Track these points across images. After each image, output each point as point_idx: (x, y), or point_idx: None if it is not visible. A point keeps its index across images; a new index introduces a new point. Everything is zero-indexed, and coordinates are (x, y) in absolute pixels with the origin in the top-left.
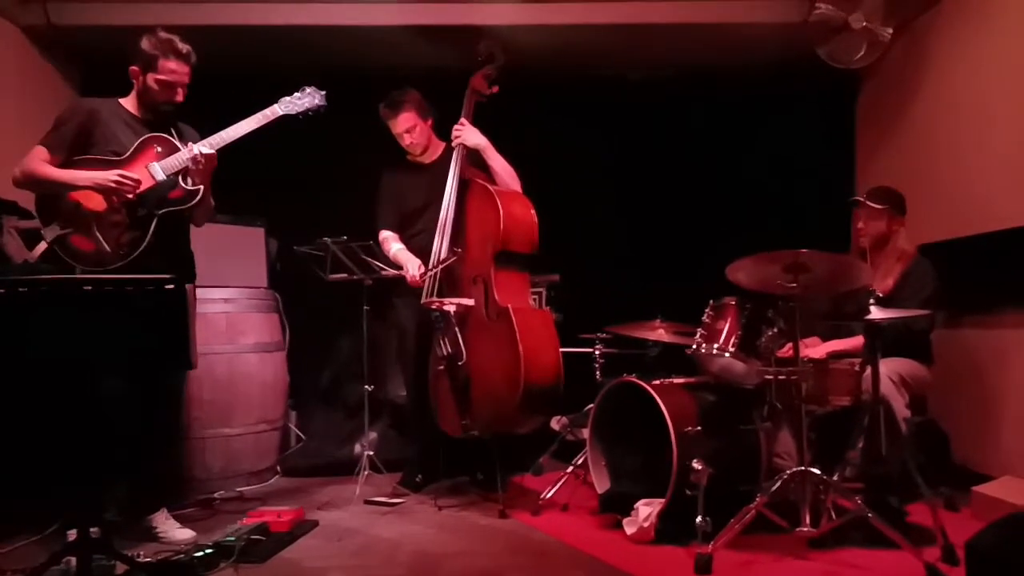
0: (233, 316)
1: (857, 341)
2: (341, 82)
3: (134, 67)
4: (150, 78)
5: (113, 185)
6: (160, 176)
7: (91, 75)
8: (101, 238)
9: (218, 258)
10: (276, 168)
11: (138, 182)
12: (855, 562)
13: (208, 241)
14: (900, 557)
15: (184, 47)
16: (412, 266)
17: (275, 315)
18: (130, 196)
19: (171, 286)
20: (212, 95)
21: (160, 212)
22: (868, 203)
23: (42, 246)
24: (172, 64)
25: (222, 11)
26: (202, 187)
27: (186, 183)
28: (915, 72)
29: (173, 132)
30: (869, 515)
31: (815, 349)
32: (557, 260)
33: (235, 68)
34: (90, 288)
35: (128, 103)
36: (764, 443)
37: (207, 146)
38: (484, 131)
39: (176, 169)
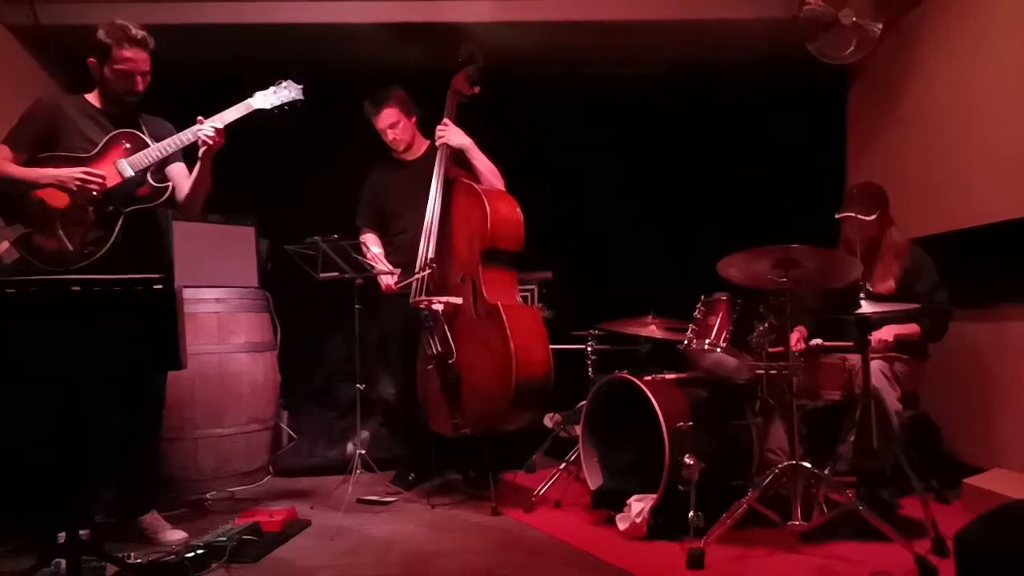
0: (224, 316)
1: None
2: (330, 81)
3: (92, 60)
4: (107, 69)
5: (77, 183)
6: (128, 173)
7: (80, 75)
8: (64, 236)
9: (209, 258)
10: (266, 167)
11: (103, 179)
12: (846, 555)
13: (199, 241)
14: (891, 549)
15: (138, 33)
16: (387, 275)
17: (266, 314)
18: (95, 194)
19: (159, 286)
20: (197, 93)
21: (127, 210)
22: (860, 217)
23: (4, 245)
24: (127, 52)
25: (207, 10)
26: (171, 185)
27: (154, 180)
28: (903, 67)
29: (142, 126)
30: (860, 508)
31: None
32: (549, 258)
33: (221, 67)
34: (79, 289)
35: (93, 98)
36: (756, 438)
37: (219, 121)
38: (474, 130)
39: (144, 166)
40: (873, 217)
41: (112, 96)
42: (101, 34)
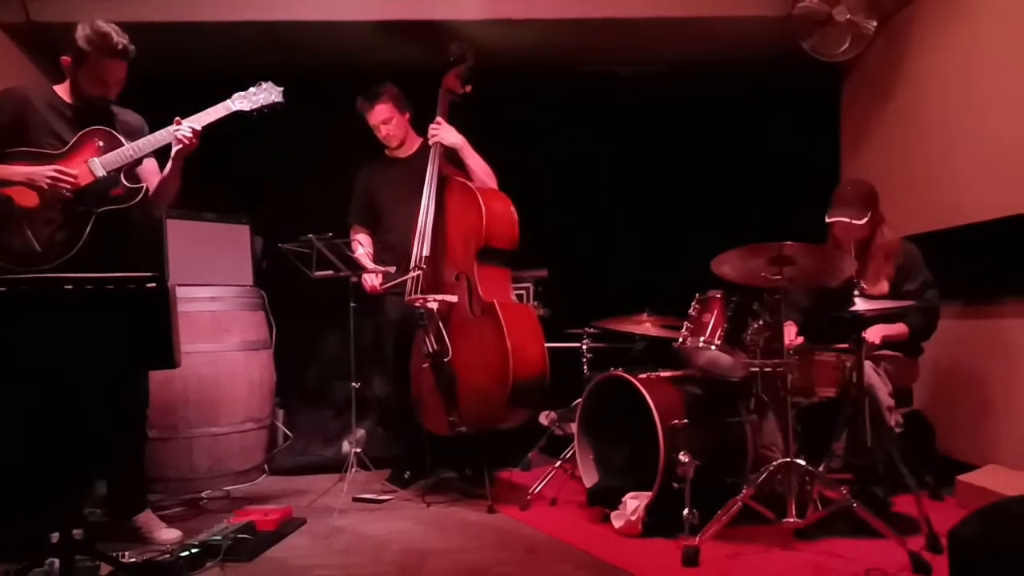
0: (219, 314)
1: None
2: (323, 78)
3: (66, 59)
4: (81, 73)
5: (48, 181)
6: (100, 172)
7: None
8: (32, 236)
9: (203, 256)
10: (260, 165)
11: (76, 177)
12: (840, 552)
13: (193, 239)
14: (885, 546)
15: (119, 42)
16: (371, 276)
17: (261, 313)
18: (67, 193)
19: (152, 284)
20: (184, 92)
21: (99, 210)
22: (852, 222)
23: None
24: (106, 63)
25: (197, 7)
26: (145, 186)
27: (128, 180)
28: (896, 65)
29: (116, 124)
30: (854, 505)
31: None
32: (545, 255)
33: (209, 65)
34: (71, 288)
35: (62, 90)
36: (750, 435)
37: (196, 123)
38: (469, 128)
39: (118, 165)
40: (864, 220)
41: (83, 97)
42: (81, 39)
